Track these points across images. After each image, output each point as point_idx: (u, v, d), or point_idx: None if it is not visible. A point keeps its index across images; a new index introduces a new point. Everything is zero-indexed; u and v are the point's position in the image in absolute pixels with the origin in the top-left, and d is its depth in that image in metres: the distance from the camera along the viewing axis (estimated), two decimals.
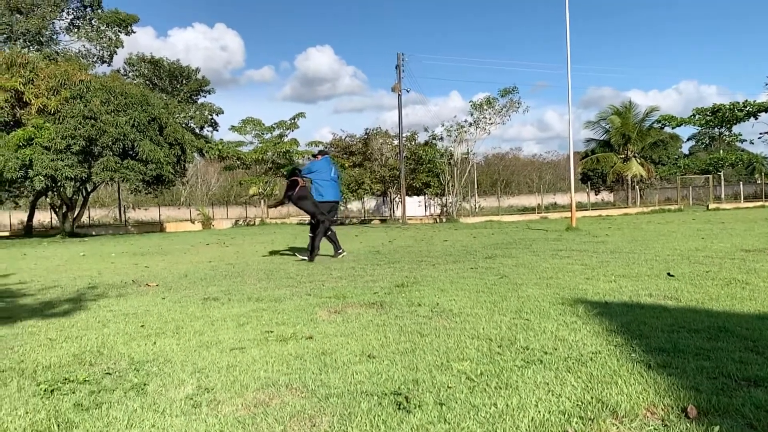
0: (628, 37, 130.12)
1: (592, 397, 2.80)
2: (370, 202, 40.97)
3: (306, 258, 10.34)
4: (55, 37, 37.92)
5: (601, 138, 43.60)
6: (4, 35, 35.00)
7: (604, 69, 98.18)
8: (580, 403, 2.74)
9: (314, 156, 11.38)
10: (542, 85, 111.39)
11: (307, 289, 6.64)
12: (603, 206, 39.86)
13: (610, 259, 8.39)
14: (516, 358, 3.47)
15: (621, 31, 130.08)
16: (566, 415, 2.60)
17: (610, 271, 7.05)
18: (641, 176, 39.86)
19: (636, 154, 40.98)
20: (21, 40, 34.70)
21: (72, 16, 38.50)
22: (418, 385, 3.05)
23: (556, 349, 3.62)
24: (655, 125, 42.15)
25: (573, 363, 3.33)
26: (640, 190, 40.97)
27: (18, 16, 34.99)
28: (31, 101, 23.64)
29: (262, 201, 41.08)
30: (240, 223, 37.97)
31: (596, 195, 45.67)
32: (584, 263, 8.04)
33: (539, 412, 2.66)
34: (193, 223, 36.33)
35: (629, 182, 40.95)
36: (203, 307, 5.71)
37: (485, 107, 30.74)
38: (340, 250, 10.70)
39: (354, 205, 40.97)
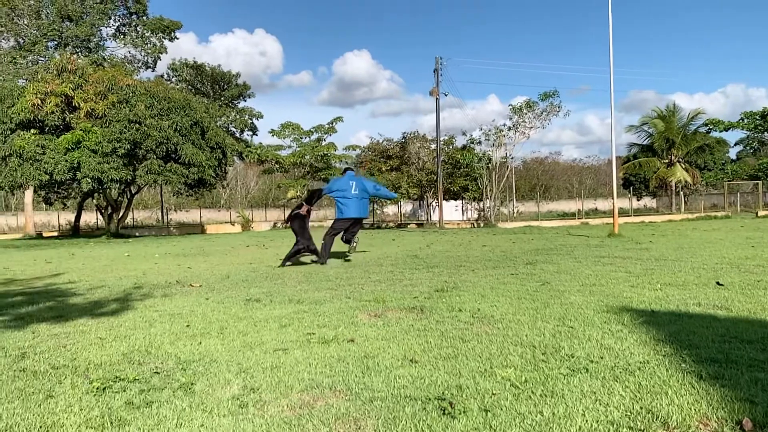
0: (673, 40, 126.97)
1: (641, 408, 2.74)
2: (406, 206, 40.95)
3: (318, 261, 10.41)
4: (102, 43, 39.12)
5: (644, 142, 42.62)
6: (55, 41, 36.27)
7: (647, 72, 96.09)
8: (629, 413, 2.68)
9: (342, 173, 11.55)
10: (583, 89, 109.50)
11: (347, 293, 6.68)
12: (646, 212, 38.99)
13: (655, 267, 8.19)
14: (561, 366, 3.42)
15: (665, 33, 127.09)
16: (615, 426, 2.55)
17: (655, 279, 6.89)
18: (686, 182, 38.79)
19: (680, 159, 39.92)
20: (70, 46, 35.89)
21: (118, 23, 39.70)
22: (462, 391, 3.03)
23: (602, 358, 3.56)
24: (701, 129, 41.05)
25: (620, 372, 3.26)
26: (684, 196, 39.90)
27: (68, 23, 36.20)
28: (79, 105, 24.40)
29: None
30: (278, 225, 38.42)
31: (638, 201, 44.63)
32: (628, 270, 7.87)
33: (587, 421, 2.62)
34: (233, 225, 36.95)
35: (673, 188, 39.91)
36: (246, 308, 5.80)
37: (525, 111, 30.41)
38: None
39: (390, 209, 41.00)
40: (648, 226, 23.86)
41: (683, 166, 39.56)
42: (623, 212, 33.83)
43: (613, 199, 18.92)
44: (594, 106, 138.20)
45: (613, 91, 17.53)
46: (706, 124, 40.85)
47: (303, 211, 10.70)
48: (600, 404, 2.80)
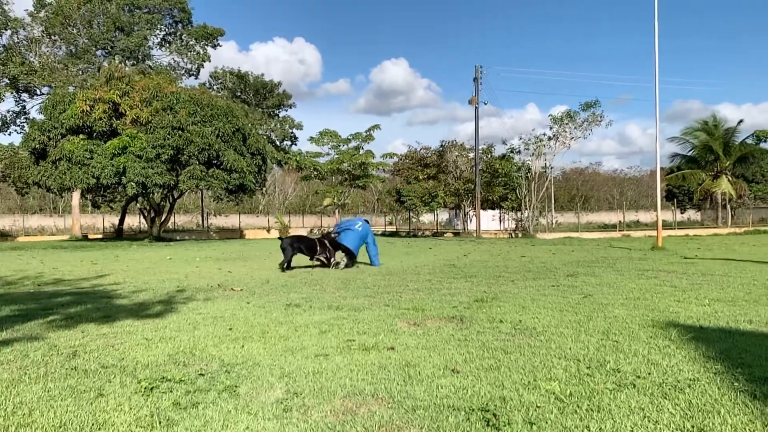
0: (719, 49, 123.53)
1: (692, 426, 2.67)
2: (442, 215, 40.75)
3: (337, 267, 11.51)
4: (148, 52, 40.16)
5: (688, 153, 41.42)
6: (104, 50, 37.45)
7: (692, 82, 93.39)
8: None
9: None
10: (625, 98, 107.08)
11: (385, 300, 6.69)
12: (690, 225, 37.93)
13: (701, 282, 7.97)
14: (607, 380, 3.36)
15: (711, 41, 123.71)
16: None
17: (702, 294, 6.70)
18: (732, 194, 37.59)
19: (726, 171, 38.75)
20: (118, 55, 36.98)
21: (164, 32, 40.72)
22: (506, 403, 3.00)
23: (649, 374, 3.47)
24: (749, 140, 39.75)
25: (669, 389, 3.18)
26: (731, 210, 38.67)
27: (119, 33, 37.34)
28: (126, 112, 25.11)
29: (337, 211, 41.77)
30: (315, 231, 38.72)
31: (682, 213, 43.49)
32: (673, 285, 7.68)
33: None
34: (268, 231, 37.37)
35: (719, 201, 38.72)
36: (286, 313, 5.86)
37: (565, 121, 29.98)
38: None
39: (426, 218, 40.88)
40: (692, 240, 23.23)
41: (729, 179, 38.36)
42: (666, 225, 32.98)
43: (656, 210, 18.48)
44: (636, 115, 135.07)
45: (658, 101, 17.17)
46: (755, 135, 39.51)
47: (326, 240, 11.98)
48: (649, 421, 2.73)
